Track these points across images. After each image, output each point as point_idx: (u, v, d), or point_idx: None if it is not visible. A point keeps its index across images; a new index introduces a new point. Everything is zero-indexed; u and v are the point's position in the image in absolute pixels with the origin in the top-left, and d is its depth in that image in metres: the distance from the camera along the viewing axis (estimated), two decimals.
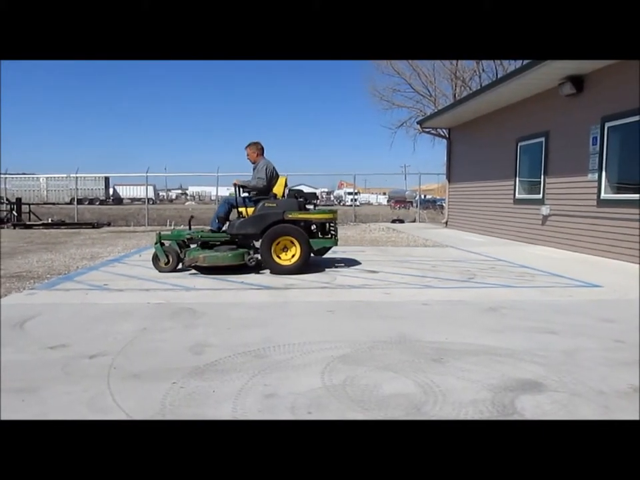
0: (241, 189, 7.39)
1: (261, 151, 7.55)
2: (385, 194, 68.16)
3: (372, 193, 71.38)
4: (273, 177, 7.36)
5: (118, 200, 51.92)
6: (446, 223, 17.19)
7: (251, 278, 6.50)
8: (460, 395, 2.80)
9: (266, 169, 7.27)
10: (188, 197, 70.51)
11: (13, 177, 34.80)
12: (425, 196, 42.73)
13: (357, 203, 33.89)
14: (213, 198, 44.43)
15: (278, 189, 7.30)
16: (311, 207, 7.53)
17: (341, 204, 55.29)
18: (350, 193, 54.24)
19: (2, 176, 23.77)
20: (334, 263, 7.80)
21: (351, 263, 8.03)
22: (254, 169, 7.49)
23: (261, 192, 7.20)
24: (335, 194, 66.98)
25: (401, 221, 21.57)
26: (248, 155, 7.57)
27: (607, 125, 8.64)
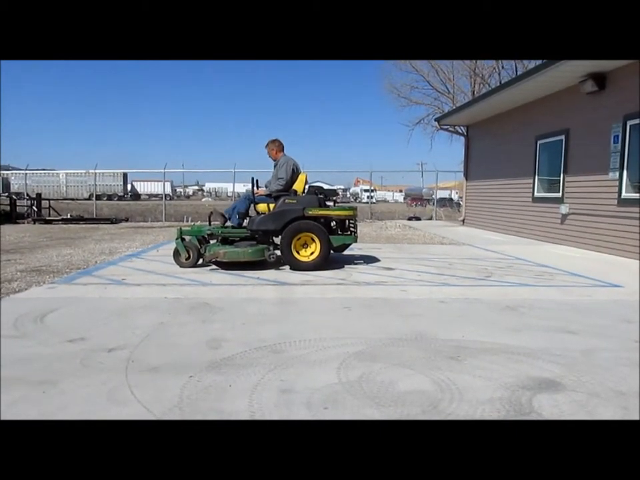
0: (257, 183, 7.44)
1: (281, 147, 7.57)
2: (401, 191, 67.86)
3: (388, 190, 71.07)
4: (294, 173, 7.37)
5: (136, 196, 52.29)
6: (463, 220, 17.07)
7: (267, 274, 6.51)
8: (477, 393, 2.78)
9: (286, 166, 7.29)
10: (205, 193, 70.86)
11: (33, 173, 35.27)
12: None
13: (374, 200, 33.80)
14: (229, 194, 44.63)
15: (298, 186, 7.30)
16: (331, 203, 7.54)
17: (357, 201, 55.14)
18: (366, 190, 54.13)
19: (23, 172, 24.10)
20: (350, 260, 7.80)
21: (367, 260, 8.01)
22: (275, 166, 7.53)
23: (283, 190, 7.23)
24: (351, 191, 66.83)
25: (418, 219, 21.47)
26: (268, 153, 7.61)
27: (629, 123, 8.51)
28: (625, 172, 8.60)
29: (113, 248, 9.49)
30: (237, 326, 4.08)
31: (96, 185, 24.91)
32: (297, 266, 6.85)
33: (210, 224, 7.68)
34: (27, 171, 25.90)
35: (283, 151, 7.58)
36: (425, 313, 4.61)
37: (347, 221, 7.44)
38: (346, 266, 7.28)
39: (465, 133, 17.05)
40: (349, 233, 7.40)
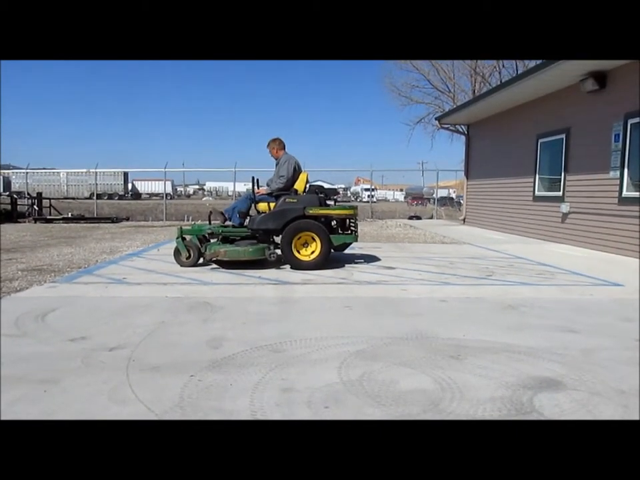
0: (258, 182, 7.46)
1: (282, 146, 7.58)
2: (402, 190, 67.76)
3: (389, 190, 70.88)
4: (295, 172, 7.37)
5: (136, 195, 52.22)
6: (464, 220, 17.06)
7: (268, 273, 6.52)
8: (478, 392, 2.79)
9: (288, 164, 7.30)
10: (205, 193, 70.77)
11: (34, 172, 35.28)
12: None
13: (374, 199, 33.80)
14: (230, 193, 44.60)
15: (299, 185, 7.30)
16: (331, 202, 7.54)
17: (358, 200, 55.07)
18: (367, 189, 54.13)
19: (23, 171, 24.12)
20: (351, 259, 7.80)
21: (368, 259, 8.01)
22: (276, 165, 7.55)
23: (285, 188, 7.24)
24: (351, 190, 66.72)
25: (418, 218, 21.45)
26: (270, 152, 7.62)
27: (630, 121, 8.50)
28: (625, 170, 8.59)
29: (114, 247, 9.50)
30: (238, 325, 4.09)
31: (97, 184, 24.89)
32: (298, 265, 6.85)
33: (210, 223, 7.69)
34: (28, 170, 25.91)
35: (284, 149, 7.60)
36: (426, 312, 4.61)
37: (348, 220, 7.44)
38: (347, 265, 7.28)
39: (466, 132, 17.04)
40: (349, 232, 7.41)
